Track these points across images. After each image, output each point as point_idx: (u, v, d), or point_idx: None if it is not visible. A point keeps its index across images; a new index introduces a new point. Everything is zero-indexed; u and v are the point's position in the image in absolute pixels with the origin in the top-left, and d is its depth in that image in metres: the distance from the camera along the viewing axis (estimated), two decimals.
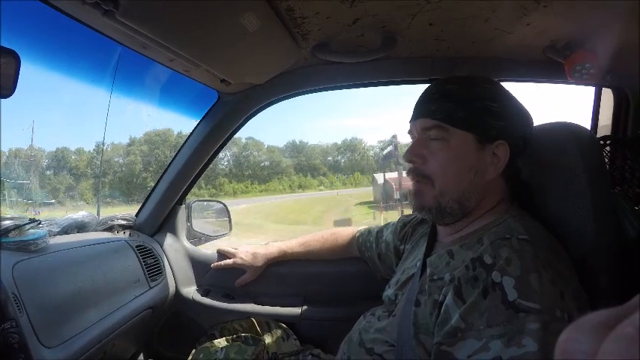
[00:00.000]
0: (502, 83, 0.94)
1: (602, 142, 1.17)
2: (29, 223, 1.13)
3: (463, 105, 0.87)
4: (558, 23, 1.06)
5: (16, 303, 0.92)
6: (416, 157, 0.91)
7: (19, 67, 0.75)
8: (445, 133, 0.87)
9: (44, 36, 1.05)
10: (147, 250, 1.49)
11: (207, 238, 1.77)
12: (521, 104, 0.92)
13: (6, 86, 0.74)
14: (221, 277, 1.55)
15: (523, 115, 0.91)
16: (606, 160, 1.15)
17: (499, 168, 0.87)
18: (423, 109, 0.92)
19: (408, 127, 0.98)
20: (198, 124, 1.49)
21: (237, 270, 1.51)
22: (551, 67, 1.26)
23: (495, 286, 0.69)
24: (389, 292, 1.04)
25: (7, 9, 0.86)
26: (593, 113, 1.52)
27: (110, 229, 1.50)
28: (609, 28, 1.08)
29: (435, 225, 1.01)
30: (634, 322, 0.19)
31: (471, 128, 0.86)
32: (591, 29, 1.09)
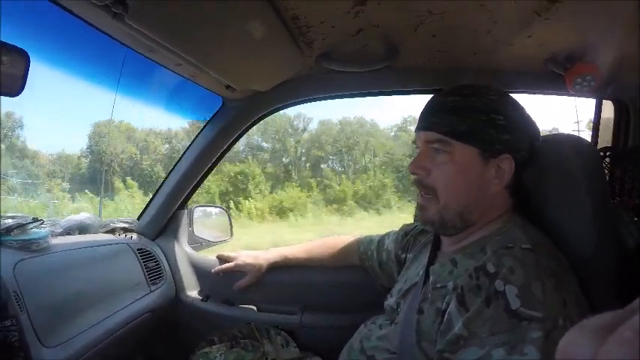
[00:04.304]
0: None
1: (602, 153, 1.18)
2: (32, 222, 1.13)
3: (467, 118, 0.85)
4: (559, 36, 1.08)
5: (17, 301, 0.93)
6: (420, 170, 0.90)
7: (29, 65, 0.75)
8: (449, 146, 0.86)
9: (53, 36, 1.07)
10: (148, 254, 1.50)
11: (209, 244, 1.77)
12: (528, 115, 0.90)
13: (15, 85, 0.75)
14: (221, 283, 1.55)
15: (530, 128, 0.90)
16: (606, 172, 1.16)
17: (503, 182, 0.86)
18: (427, 120, 0.91)
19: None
20: (202, 130, 1.50)
21: (238, 276, 1.50)
22: (551, 78, 1.27)
23: (498, 294, 0.69)
24: (391, 300, 1.03)
25: (18, 9, 0.87)
26: (593, 125, 1.53)
27: (112, 231, 1.51)
28: (610, 41, 1.09)
29: (437, 234, 1.01)
30: (633, 326, 0.19)
31: (475, 142, 0.85)
32: (592, 42, 1.10)
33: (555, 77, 1.24)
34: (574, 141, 0.88)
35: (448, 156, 0.87)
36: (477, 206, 0.87)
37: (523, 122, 0.89)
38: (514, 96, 0.92)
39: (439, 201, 0.88)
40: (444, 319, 0.76)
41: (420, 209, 0.93)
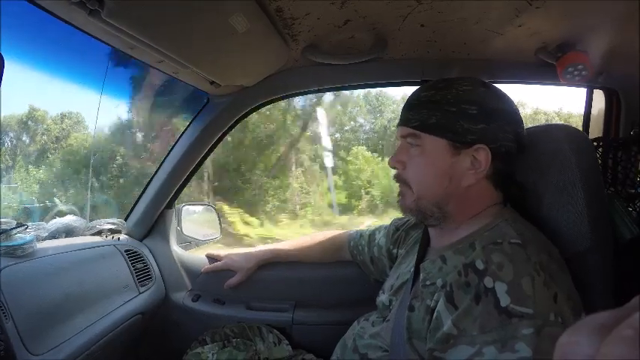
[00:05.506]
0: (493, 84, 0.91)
1: (594, 143, 1.17)
2: (16, 227, 1.11)
3: (437, 110, 0.86)
4: (550, 25, 1.06)
5: (2, 309, 0.91)
6: (397, 164, 0.93)
7: (4, 68, 0.73)
8: (419, 140, 0.88)
9: (35, 36, 1.04)
10: (136, 255, 1.48)
11: (198, 242, 1.75)
12: (508, 104, 0.87)
13: None
14: (212, 282, 1.54)
15: (509, 117, 0.87)
16: (599, 162, 1.15)
17: (480, 173, 0.85)
18: (402, 116, 0.94)
19: None
20: (187, 127, 1.48)
21: (228, 274, 1.50)
22: (543, 68, 1.26)
23: (488, 291, 0.69)
24: (383, 297, 1.03)
25: None
26: (584, 114, 1.53)
27: (99, 233, 1.48)
28: (601, 30, 1.08)
29: (427, 230, 1.01)
30: (633, 324, 0.19)
31: (444, 134, 0.85)
32: (583, 31, 1.10)
33: (546, 67, 1.23)
34: (567, 131, 0.87)
35: (419, 149, 0.89)
36: (453, 197, 0.87)
37: (501, 111, 0.86)
38: (501, 86, 0.90)
39: (413, 192, 0.90)
40: (433, 317, 0.76)
41: (400, 197, 0.95)
